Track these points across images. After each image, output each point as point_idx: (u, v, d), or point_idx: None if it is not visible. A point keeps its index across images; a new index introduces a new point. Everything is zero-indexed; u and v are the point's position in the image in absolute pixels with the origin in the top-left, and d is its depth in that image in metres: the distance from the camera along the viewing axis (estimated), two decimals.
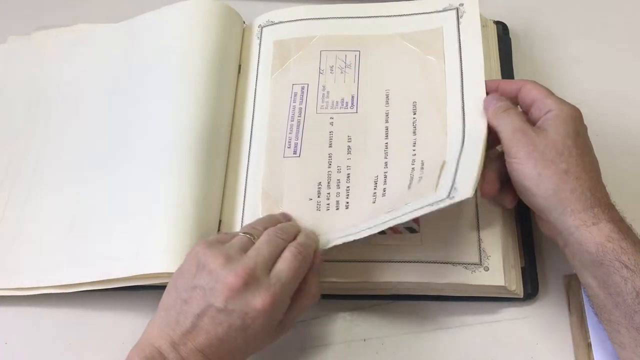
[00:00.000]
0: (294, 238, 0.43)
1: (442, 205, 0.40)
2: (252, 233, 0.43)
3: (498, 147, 0.46)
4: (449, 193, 0.41)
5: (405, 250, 0.46)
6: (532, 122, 0.44)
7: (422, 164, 0.47)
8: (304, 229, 0.45)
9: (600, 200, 0.40)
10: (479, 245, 0.46)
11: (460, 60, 0.50)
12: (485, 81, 0.48)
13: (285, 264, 0.40)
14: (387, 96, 0.51)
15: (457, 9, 0.53)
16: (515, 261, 0.47)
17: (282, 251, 0.41)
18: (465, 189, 0.40)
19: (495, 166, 0.45)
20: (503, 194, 0.46)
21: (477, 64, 0.49)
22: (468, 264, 0.45)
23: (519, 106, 0.46)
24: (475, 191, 0.47)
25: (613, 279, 0.38)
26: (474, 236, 0.46)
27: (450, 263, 0.45)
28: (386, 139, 0.49)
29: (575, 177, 0.40)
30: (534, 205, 0.42)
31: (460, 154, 0.44)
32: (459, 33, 0.51)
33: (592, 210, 0.39)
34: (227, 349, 0.38)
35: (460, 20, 0.52)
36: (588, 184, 0.40)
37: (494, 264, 0.45)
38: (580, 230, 0.39)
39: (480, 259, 0.45)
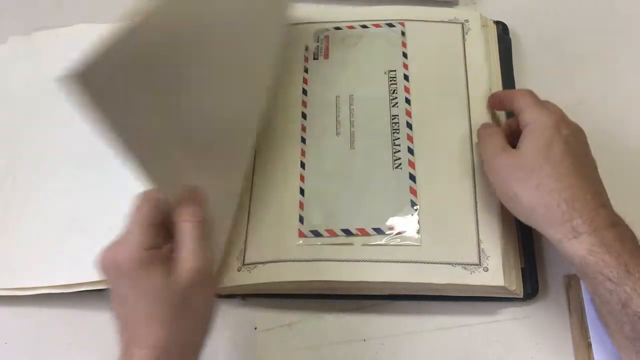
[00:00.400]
0: None
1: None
2: None
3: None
4: (479, 258, 0.45)
5: (405, 251, 0.46)
6: (520, 133, 0.44)
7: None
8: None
9: (580, 210, 0.39)
10: (478, 245, 0.46)
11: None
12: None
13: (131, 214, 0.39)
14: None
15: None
16: (515, 261, 0.47)
17: None
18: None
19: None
20: None
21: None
22: (467, 265, 0.45)
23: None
24: (475, 192, 0.47)
25: (599, 290, 0.38)
26: (473, 237, 0.46)
27: (450, 264, 0.45)
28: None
29: (547, 192, 0.40)
30: (522, 221, 0.43)
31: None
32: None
33: (571, 223, 0.39)
34: (151, 330, 0.37)
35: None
36: (564, 194, 0.39)
37: (493, 264, 0.45)
38: (562, 243, 0.39)
39: (480, 259, 0.45)
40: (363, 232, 0.47)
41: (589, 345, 0.43)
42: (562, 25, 0.60)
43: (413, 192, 0.48)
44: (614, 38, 0.59)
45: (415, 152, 0.49)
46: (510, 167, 0.42)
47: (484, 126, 0.48)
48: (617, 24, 0.60)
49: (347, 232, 0.47)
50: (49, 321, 0.50)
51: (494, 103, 0.50)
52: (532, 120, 0.43)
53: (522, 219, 0.42)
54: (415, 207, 0.47)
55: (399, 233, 0.47)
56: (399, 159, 0.49)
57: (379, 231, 0.47)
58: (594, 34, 0.59)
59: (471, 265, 0.45)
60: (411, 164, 0.49)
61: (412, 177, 0.48)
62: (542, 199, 0.40)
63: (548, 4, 0.61)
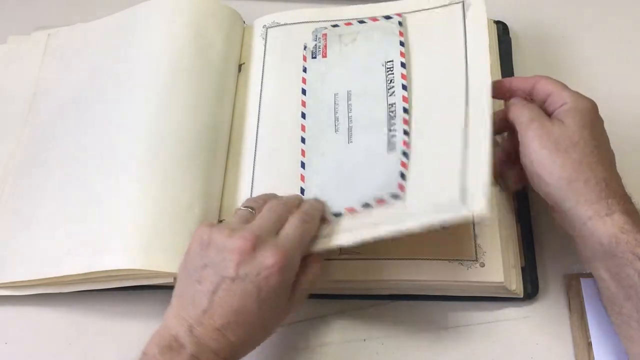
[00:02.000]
0: (298, 207, 0.44)
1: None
2: (252, 206, 0.43)
3: (497, 137, 0.47)
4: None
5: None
6: (547, 114, 0.44)
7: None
8: (308, 199, 0.46)
9: (615, 191, 0.40)
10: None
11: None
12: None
13: (291, 227, 0.40)
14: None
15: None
16: (515, 261, 0.47)
17: (286, 220, 0.42)
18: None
19: (497, 155, 0.46)
20: (508, 176, 0.47)
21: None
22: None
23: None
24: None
25: (626, 271, 0.38)
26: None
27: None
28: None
29: (589, 167, 0.40)
30: (547, 194, 0.42)
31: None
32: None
33: (606, 201, 0.39)
34: (244, 321, 0.37)
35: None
36: (603, 174, 0.40)
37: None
38: (593, 220, 0.39)
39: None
40: (351, 210, 0.45)
41: (589, 345, 0.43)
42: (562, 25, 0.60)
43: (404, 165, 0.46)
44: (614, 37, 0.59)
45: (411, 135, 0.47)
46: (555, 136, 0.41)
47: (517, 99, 0.47)
48: (618, 24, 0.60)
49: (337, 215, 0.45)
50: (49, 321, 0.50)
51: (502, 91, 0.48)
52: (573, 100, 0.43)
53: (550, 190, 0.41)
54: (404, 178, 0.45)
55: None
56: (394, 143, 0.47)
57: (366, 206, 0.45)
58: (595, 34, 0.59)
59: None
60: (405, 144, 0.47)
61: (406, 154, 0.46)
62: (583, 173, 0.40)
63: (548, 4, 0.62)
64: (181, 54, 0.53)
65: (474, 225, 0.46)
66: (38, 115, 0.57)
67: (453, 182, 0.42)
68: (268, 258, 0.37)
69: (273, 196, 0.45)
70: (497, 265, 0.44)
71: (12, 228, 0.51)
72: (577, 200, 0.40)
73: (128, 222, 0.46)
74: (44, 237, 0.49)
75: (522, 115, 0.44)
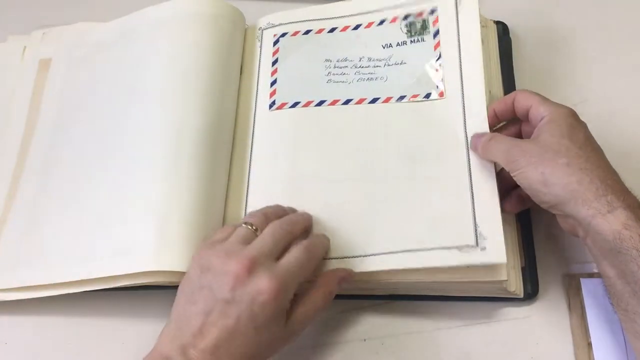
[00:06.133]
0: (303, 232, 0.44)
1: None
2: (253, 223, 0.43)
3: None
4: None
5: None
6: (530, 130, 0.44)
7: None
8: (316, 234, 0.45)
9: (612, 187, 0.39)
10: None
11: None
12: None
13: (293, 256, 0.40)
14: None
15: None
16: (515, 261, 0.47)
17: (288, 244, 0.41)
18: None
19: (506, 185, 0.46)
20: (504, 200, 0.46)
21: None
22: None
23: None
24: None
25: (630, 268, 0.38)
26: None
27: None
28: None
29: (578, 168, 0.40)
30: (548, 203, 0.42)
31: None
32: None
33: (605, 198, 0.39)
34: (238, 344, 0.37)
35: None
36: (595, 172, 0.40)
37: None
38: (596, 219, 0.39)
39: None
40: None
41: (589, 345, 0.44)
42: (562, 25, 0.60)
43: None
44: (614, 37, 0.59)
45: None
46: (536, 151, 0.41)
47: (479, 135, 0.46)
48: (618, 23, 0.60)
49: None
50: (48, 321, 0.50)
51: (502, 112, 0.47)
52: (550, 112, 0.43)
53: (549, 198, 0.41)
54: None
55: None
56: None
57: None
58: (594, 34, 0.59)
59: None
60: None
61: None
62: (573, 175, 0.40)
63: (548, 4, 0.61)
64: (190, 56, 0.53)
65: (474, 210, 0.45)
66: (42, 116, 0.57)
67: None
68: (264, 284, 0.37)
69: (276, 212, 0.45)
70: (499, 249, 0.42)
71: (28, 232, 0.51)
72: (576, 202, 0.40)
73: (147, 223, 0.46)
74: (62, 241, 0.49)
75: (496, 151, 0.44)
